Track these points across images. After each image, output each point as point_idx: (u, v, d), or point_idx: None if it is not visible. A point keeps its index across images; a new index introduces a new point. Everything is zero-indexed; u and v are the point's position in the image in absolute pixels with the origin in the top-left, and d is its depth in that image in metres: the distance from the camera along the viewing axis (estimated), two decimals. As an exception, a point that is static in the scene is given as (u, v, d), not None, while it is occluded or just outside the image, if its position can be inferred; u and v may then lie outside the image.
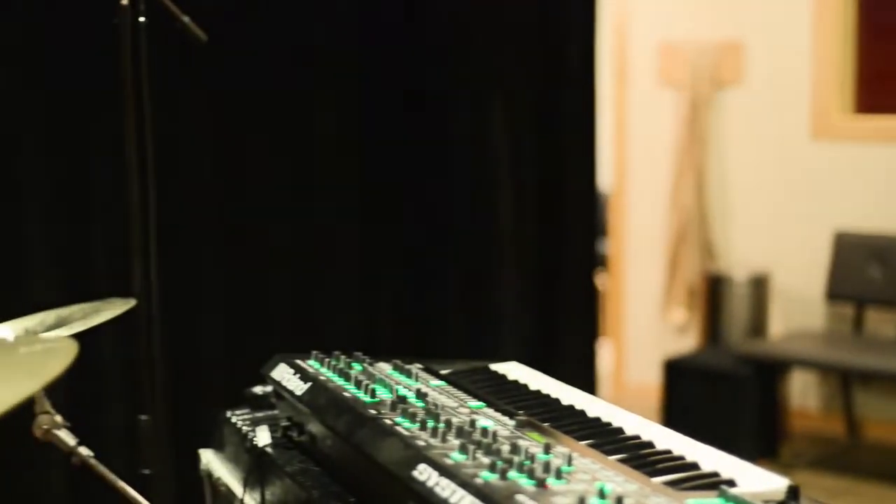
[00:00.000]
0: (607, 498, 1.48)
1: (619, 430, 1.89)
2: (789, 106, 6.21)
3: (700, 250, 6.50)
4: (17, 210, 3.40)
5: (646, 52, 6.71)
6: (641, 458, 1.74)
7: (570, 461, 1.62)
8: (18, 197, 3.40)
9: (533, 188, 4.75)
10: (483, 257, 4.61)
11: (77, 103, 3.49)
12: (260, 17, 3.92)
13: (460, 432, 1.74)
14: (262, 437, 2.17)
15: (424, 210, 4.42)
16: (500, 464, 1.56)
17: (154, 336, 2.79)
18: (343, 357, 2.20)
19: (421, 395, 1.95)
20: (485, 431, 1.75)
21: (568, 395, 2.11)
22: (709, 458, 1.73)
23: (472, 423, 1.80)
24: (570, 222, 4.88)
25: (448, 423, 1.76)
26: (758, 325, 6.17)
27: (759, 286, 6.17)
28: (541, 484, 1.52)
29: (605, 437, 1.84)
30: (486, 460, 1.60)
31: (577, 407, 2.03)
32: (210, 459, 2.42)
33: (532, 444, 1.71)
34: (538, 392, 2.15)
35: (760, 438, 5.74)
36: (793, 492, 1.56)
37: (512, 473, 1.55)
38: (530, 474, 1.54)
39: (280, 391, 2.14)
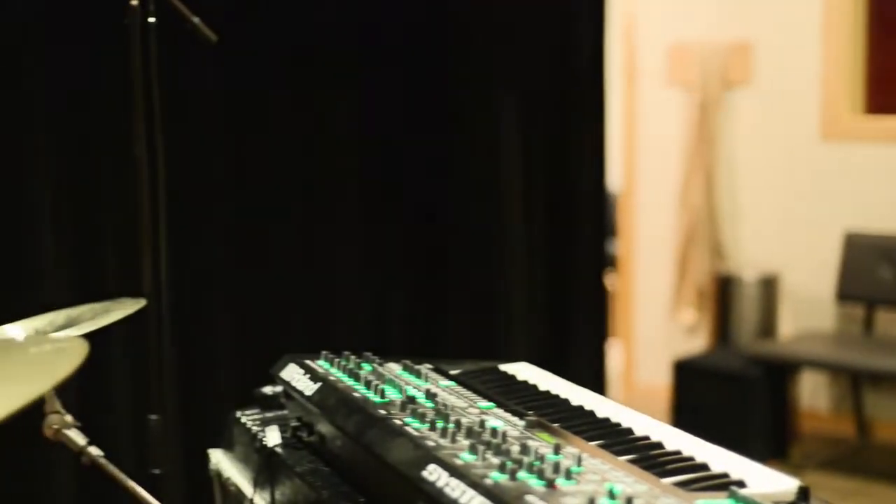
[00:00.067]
0: (617, 499, 1.48)
1: (629, 431, 1.89)
2: (799, 106, 6.20)
3: (710, 251, 6.49)
4: (27, 210, 3.40)
5: (655, 53, 6.70)
6: (651, 458, 1.73)
7: (579, 462, 1.62)
8: (28, 197, 3.40)
9: (542, 189, 4.75)
10: (492, 257, 4.61)
11: (87, 103, 3.49)
12: (268, 17, 3.92)
13: (470, 433, 1.74)
14: (272, 437, 2.17)
15: (434, 210, 4.42)
16: (509, 464, 1.56)
17: (164, 336, 2.80)
18: (353, 357, 2.20)
19: (431, 395, 1.95)
20: (494, 432, 1.75)
21: (578, 395, 2.11)
22: (719, 458, 1.73)
23: (482, 423, 1.80)
24: (580, 223, 4.88)
25: (458, 424, 1.76)
26: (768, 325, 6.16)
27: (769, 287, 6.17)
28: (550, 484, 1.52)
29: (614, 438, 1.84)
30: (495, 461, 1.60)
31: (587, 407, 2.03)
32: (220, 459, 2.42)
33: (542, 444, 1.71)
34: (548, 392, 2.15)
35: (770, 439, 5.73)
36: (803, 493, 1.55)
37: (521, 474, 1.55)
38: (540, 475, 1.54)
39: (290, 391, 2.14)
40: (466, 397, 2.00)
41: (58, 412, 2.03)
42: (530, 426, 1.81)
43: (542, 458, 1.61)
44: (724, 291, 6.23)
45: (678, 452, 1.77)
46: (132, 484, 2.07)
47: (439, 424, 1.76)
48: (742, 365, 5.75)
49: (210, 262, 3.80)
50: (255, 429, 2.27)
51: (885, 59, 6.15)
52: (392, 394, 1.96)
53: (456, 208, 4.49)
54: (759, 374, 5.68)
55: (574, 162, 4.86)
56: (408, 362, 2.19)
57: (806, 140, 6.19)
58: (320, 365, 2.17)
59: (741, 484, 1.62)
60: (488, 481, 1.52)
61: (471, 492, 1.50)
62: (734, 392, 5.74)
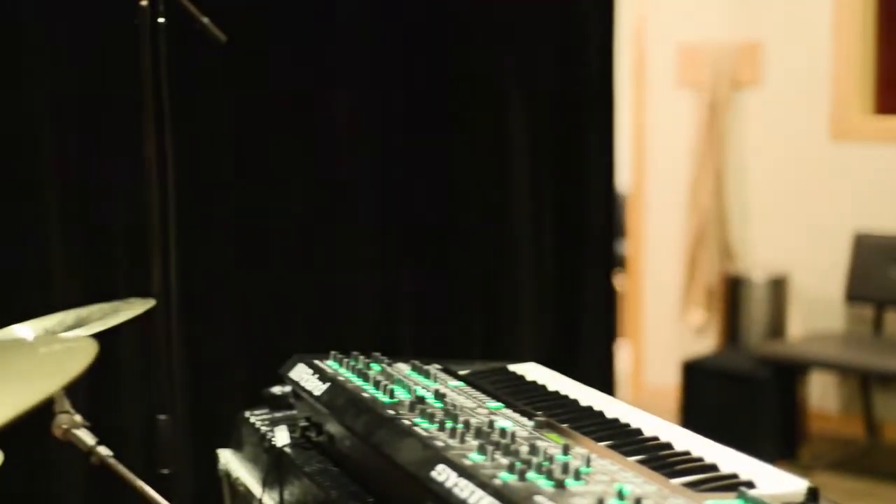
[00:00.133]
0: (626, 499, 1.48)
1: (638, 432, 1.89)
2: (808, 107, 6.19)
3: (719, 251, 6.48)
4: (36, 210, 3.41)
5: (664, 54, 6.70)
6: (660, 459, 1.73)
7: (588, 462, 1.62)
8: (38, 197, 3.41)
9: (551, 189, 4.75)
10: (501, 258, 4.61)
11: (96, 103, 3.50)
12: (277, 16, 3.92)
13: (479, 433, 1.74)
14: (281, 437, 2.18)
15: (443, 210, 4.42)
16: (518, 464, 1.56)
17: (173, 336, 2.80)
18: (361, 357, 2.20)
19: (439, 395, 1.95)
20: (503, 432, 1.75)
21: (586, 396, 2.11)
22: (728, 459, 1.73)
23: (491, 423, 1.80)
24: (589, 223, 4.87)
25: (467, 424, 1.76)
26: (777, 326, 6.15)
27: (779, 287, 6.16)
28: (559, 485, 1.52)
29: (623, 439, 1.84)
30: (504, 461, 1.60)
31: (596, 408, 2.03)
32: (229, 459, 2.42)
33: (551, 444, 1.71)
34: (557, 393, 2.15)
35: (779, 440, 5.72)
36: (812, 494, 1.55)
37: (530, 474, 1.55)
38: (549, 475, 1.54)
39: (299, 391, 2.14)
40: (475, 398, 2.00)
41: (67, 412, 2.03)
42: (539, 426, 1.81)
43: (551, 459, 1.61)
44: (733, 292, 6.23)
45: (687, 453, 1.77)
46: (141, 484, 2.07)
47: (448, 425, 1.76)
48: (751, 365, 5.75)
49: (219, 262, 3.80)
50: (263, 429, 2.27)
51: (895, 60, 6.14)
52: (401, 394, 1.96)
53: (464, 209, 4.49)
54: (768, 375, 5.67)
55: (583, 162, 4.85)
56: (417, 362, 2.19)
57: (815, 140, 6.18)
58: (329, 365, 2.17)
59: (750, 485, 1.62)
60: (497, 482, 1.52)
61: (479, 492, 1.50)
62: (743, 393, 5.73)
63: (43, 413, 1.73)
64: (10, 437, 1.60)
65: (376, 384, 2.01)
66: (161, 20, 2.79)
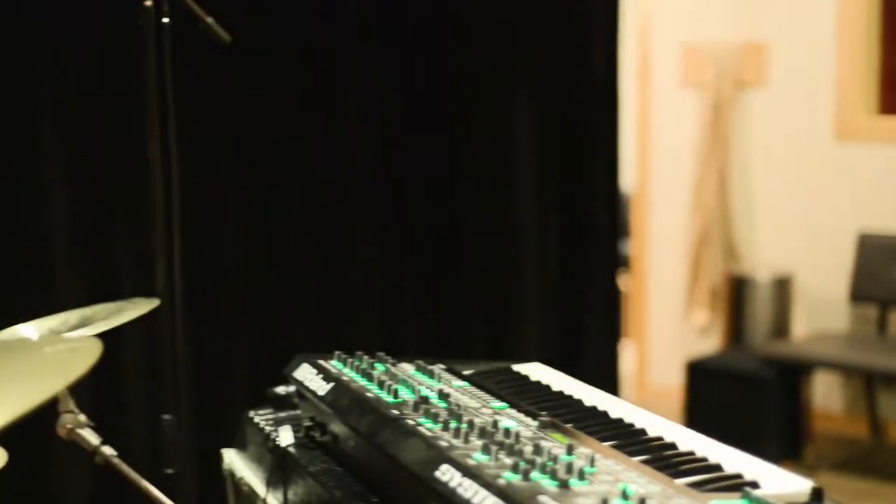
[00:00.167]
0: (630, 499, 1.48)
1: (642, 432, 1.89)
2: (813, 107, 6.19)
3: (723, 251, 6.48)
4: (40, 210, 3.41)
5: (668, 53, 6.70)
6: (664, 459, 1.73)
7: (592, 462, 1.62)
8: (42, 197, 3.41)
9: (556, 189, 4.75)
10: (505, 258, 4.61)
11: (100, 103, 3.50)
12: (280, 16, 3.92)
13: (483, 433, 1.74)
14: (285, 437, 2.18)
15: (447, 210, 4.42)
16: (522, 465, 1.56)
17: (177, 336, 2.80)
18: (366, 357, 2.20)
19: (443, 395, 1.95)
20: (507, 432, 1.75)
21: (591, 396, 2.11)
22: (732, 459, 1.73)
23: (495, 423, 1.80)
24: (593, 223, 4.87)
25: (471, 424, 1.76)
26: (781, 326, 6.15)
27: (783, 287, 6.15)
28: (563, 485, 1.52)
29: (627, 439, 1.84)
30: (508, 461, 1.60)
31: (600, 408, 2.02)
32: (233, 459, 2.42)
33: (555, 445, 1.71)
34: (561, 393, 2.15)
35: (784, 440, 5.72)
36: (816, 494, 1.55)
37: (534, 474, 1.55)
38: (553, 475, 1.54)
39: (303, 391, 2.14)
40: (479, 397, 2.00)
41: (71, 411, 2.03)
42: (543, 426, 1.81)
43: (555, 459, 1.61)
44: (737, 292, 6.22)
45: (691, 453, 1.77)
46: (145, 483, 2.07)
47: (452, 424, 1.76)
48: (755, 366, 5.74)
49: (223, 261, 3.80)
50: (268, 428, 2.27)
51: (900, 60, 6.14)
52: (405, 394, 1.96)
53: (468, 208, 4.49)
54: (773, 375, 5.67)
55: (587, 162, 4.85)
56: (421, 362, 2.19)
57: (820, 140, 6.18)
58: (333, 365, 2.17)
59: (754, 485, 1.62)
60: (501, 481, 1.52)
61: (483, 492, 1.50)
62: (747, 393, 5.73)
63: (47, 413, 1.73)
64: (15, 436, 1.60)
65: (380, 384, 2.01)
66: (165, 20, 2.79)
